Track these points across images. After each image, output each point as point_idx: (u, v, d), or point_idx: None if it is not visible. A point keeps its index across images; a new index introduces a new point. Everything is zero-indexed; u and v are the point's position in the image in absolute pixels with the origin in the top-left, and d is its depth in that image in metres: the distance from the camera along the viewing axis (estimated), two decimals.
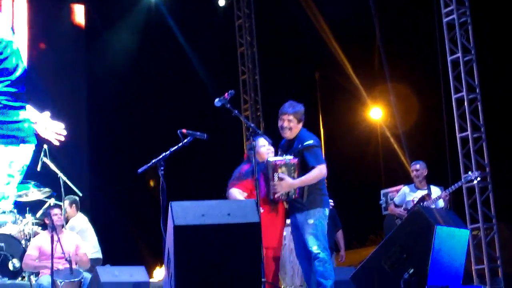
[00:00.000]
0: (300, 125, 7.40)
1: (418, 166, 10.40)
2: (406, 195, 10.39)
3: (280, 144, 7.40)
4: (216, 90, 7.11)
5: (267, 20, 17.38)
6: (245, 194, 7.46)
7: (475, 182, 11.61)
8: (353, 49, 17.52)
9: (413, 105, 16.98)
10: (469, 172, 11.10)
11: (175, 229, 5.51)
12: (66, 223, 10.72)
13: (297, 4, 16.71)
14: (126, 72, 16.35)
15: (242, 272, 5.63)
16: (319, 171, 7.14)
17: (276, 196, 7.08)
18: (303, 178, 7.07)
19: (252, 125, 6.88)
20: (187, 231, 5.52)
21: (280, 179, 6.99)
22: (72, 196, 11.04)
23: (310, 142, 7.23)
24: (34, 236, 10.36)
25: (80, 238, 10.44)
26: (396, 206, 10.44)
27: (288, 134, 7.32)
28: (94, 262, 10.20)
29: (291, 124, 7.31)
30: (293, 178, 7.01)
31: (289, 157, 7.11)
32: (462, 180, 10.74)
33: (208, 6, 17.29)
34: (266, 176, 7.11)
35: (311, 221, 7.02)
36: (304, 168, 7.09)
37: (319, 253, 6.91)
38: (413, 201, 10.18)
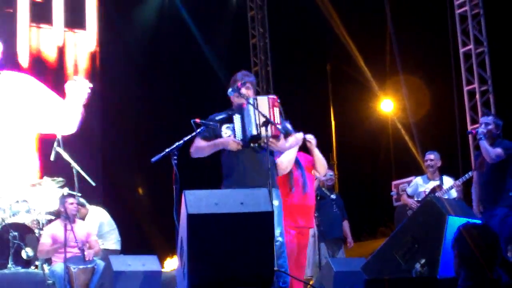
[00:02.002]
0: None
1: (432, 156, 10.41)
2: (418, 186, 10.41)
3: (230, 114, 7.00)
4: (229, 81, 7.09)
5: (279, 11, 17.39)
6: None
7: None
8: (365, 41, 17.50)
9: (424, 97, 16.96)
10: None
11: (188, 218, 5.54)
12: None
13: None
14: (139, 62, 16.37)
15: (255, 261, 5.66)
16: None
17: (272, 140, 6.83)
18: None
19: (265, 115, 6.81)
20: (200, 219, 5.55)
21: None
22: None
23: None
24: (47, 225, 10.44)
25: (96, 228, 10.59)
26: (409, 196, 10.47)
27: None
28: (112, 253, 10.29)
29: (252, 92, 7.09)
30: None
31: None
32: (471, 172, 10.77)
33: None
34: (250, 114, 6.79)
35: (276, 203, 6.69)
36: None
37: (280, 240, 6.75)
38: (424, 192, 10.21)
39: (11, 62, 13.66)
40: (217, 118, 7.01)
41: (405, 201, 10.53)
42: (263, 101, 6.83)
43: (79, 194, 10.75)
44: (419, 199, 10.23)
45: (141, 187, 15.48)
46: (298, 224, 7.55)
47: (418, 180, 10.54)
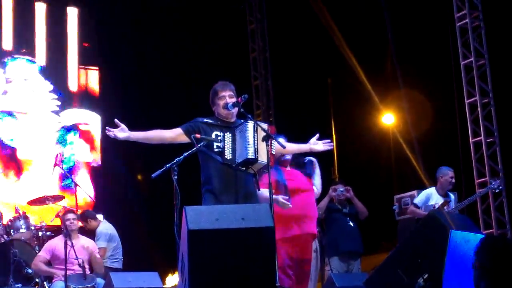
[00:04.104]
0: None
1: (453, 173, 10.43)
2: (430, 198, 10.34)
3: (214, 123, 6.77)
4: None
5: (279, 25, 17.37)
6: None
7: (497, 191, 11.53)
8: (365, 54, 17.49)
9: (425, 110, 16.92)
10: (492, 181, 11.15)
11: (189, 234, 5.50)
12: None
13: (310, 9, 16.72)
14: (140, 78, 16.38)
15: (257, 277, 5.61)
16: None
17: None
18: None
19: (268, 130, 6.68)
20: (201, 235, 5.51)
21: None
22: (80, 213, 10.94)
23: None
24: (47, 241, 10.39)
25: (105, 240, 10.57)
26: (416, 206, 10.38)
27: (233, 114, 6.83)
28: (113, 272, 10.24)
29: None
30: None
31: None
32: (487, 188, 10.77)
33: (220, 10, 17.30)
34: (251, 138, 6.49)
35: None
36: None
37: None
38: (434, 206, 10.16)
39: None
40: (206, 121, 6.80)
41: (414, 212, 10.38)
42: (261, 129, 6.58)
43: (79, 211, 10.73)
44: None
45: (142, 203, 15.43)
46: (295, 232, 7.45)
47: (431, 192, 10.43)
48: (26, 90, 15.16)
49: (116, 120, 6.72)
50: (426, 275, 6.42)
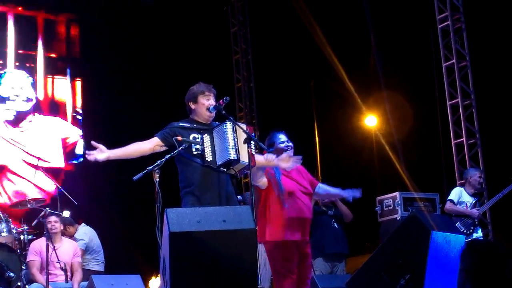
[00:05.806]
0: None
1: (480, 173, 10.62)
2: (461, 196, 10.43)
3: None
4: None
5: (262, 27, 17.38)
6: None
7: None
8: (348, 57, 17.50)
9: (407, 112, 16.97)
10: None
11: (170, 236, 5.49)
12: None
13: (293, 12, 16.73)
14: (120, 79, 16.33)
15: (238, 278, 5.61)
16: None
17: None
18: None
19: (247, 131, 6.67)
20: (182, 237, 5.50)
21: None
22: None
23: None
24: (28, 246, 10.36)
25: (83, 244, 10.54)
26: (453, 203, 10.41)
27: (212, 116, 6.85)
28: (95, 274, 10.20)
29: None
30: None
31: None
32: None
33: (203, 13, 17.29)
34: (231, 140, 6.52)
35: None
36: None
37: None
38: (466, 205, 10.29)
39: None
40: (182, 124, 6.78)
41: (453, 209, 10.35)
42: (241, 130, 6.58)
43: (65, 214, 10.71)
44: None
45: (123, 205, 15.41)
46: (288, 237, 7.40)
47: (461, 190, 10.51)
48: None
49: (93, 142, 6.67)
50: (408, 276, 6.45)
